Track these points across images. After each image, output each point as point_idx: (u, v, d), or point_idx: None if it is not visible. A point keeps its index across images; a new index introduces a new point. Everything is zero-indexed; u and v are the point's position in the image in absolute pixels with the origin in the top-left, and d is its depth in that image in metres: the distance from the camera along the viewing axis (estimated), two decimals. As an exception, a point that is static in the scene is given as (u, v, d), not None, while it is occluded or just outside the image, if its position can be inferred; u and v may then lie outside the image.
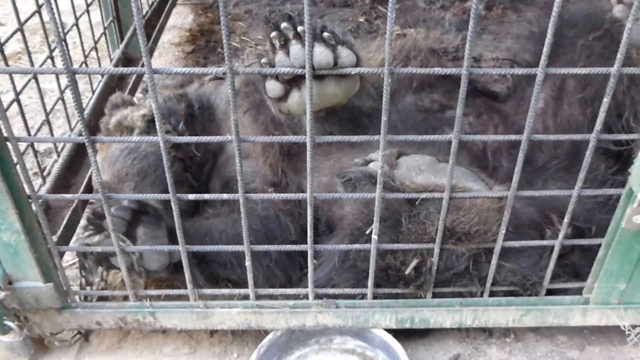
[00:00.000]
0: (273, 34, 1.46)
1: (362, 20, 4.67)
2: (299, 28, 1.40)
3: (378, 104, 1.99)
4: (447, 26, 4.54)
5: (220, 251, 1.90)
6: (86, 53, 2.79)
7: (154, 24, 3.80)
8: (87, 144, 1.52)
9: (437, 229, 1.64)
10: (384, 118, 1.43)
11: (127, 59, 3.30)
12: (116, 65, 3.14)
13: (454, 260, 1.75)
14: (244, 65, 1.63)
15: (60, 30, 1.20)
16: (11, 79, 2.09)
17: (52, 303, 1.83)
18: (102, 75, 2.99)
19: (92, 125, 2.59)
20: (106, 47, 3.33)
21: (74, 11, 2.68)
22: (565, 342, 1.97)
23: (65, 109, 2.55)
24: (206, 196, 1.65)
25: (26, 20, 2.16)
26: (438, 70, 1.35)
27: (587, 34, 1.91)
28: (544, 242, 1.71)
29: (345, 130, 2.02)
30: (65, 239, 2.18)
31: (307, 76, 1.33)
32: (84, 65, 2.75)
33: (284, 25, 1.45)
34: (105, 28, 3.19)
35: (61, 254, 2.01)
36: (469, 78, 2.21)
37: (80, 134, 2.36)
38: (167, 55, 4.21)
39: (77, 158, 2.53)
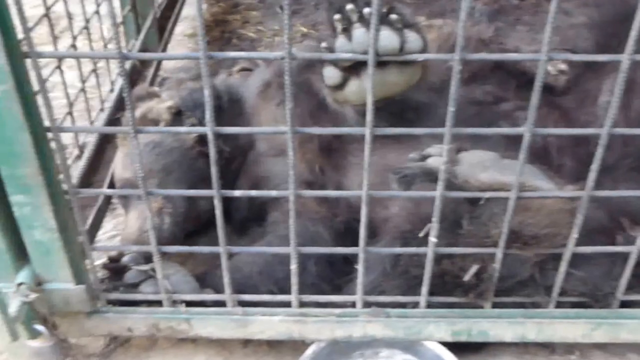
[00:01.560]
0: (336, 16, 1.47)
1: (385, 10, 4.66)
2: (365, 10, 1.41)
3: (427, 97, 2.01)
4: (478, 16, 4.47)
5: (258, 284, 1.92)
6: (106, 42, 2.82)
7: (168, 15, 3.85)
8: (131, 135, 1.52)
9: (502, 231, 1.62)
10: (451, 108, 1.43)
11: (144, 52, 3.37)
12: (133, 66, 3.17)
13: (517, 266, 1.74)
14: (303, 49, 1.62)
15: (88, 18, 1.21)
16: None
17: (82, 307, 1.85)
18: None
19: (115, 119, 2.61)
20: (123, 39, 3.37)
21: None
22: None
23: (86, 99, 2.58)
24: (253, 193, 1.65)
25: (52, 5, 2.19)
26: (514, 56, 1.35)
27: None
28: (619, 249, 1.70)
29: (394, 124, 2.02)
30: (89, 239, 2.20)
31: (369, 62, 1.33)
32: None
33: (349, 7, 1.45)
34: (123, 17, 3.26)
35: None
36: (522, 70, 2.22)
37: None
38: (180, 49, 4.23)
39: (99, 154, 2.56)
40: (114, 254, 2.01)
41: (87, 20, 2.56)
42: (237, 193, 1.64)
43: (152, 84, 3.27)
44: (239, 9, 4.71)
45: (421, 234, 1.76)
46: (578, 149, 1.97)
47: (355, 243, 1.72)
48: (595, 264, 1.76)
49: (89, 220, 2.23)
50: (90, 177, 2.49)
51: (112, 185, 2.45)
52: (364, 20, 1.43)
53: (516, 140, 1.89)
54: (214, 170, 1.57)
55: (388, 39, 1.38)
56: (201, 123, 2.43)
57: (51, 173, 1.60)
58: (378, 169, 2.08)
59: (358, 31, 1.40)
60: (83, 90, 2.54)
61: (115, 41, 1.38)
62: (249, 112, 2.45)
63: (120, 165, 2.40)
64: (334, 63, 1.54)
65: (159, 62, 3.47)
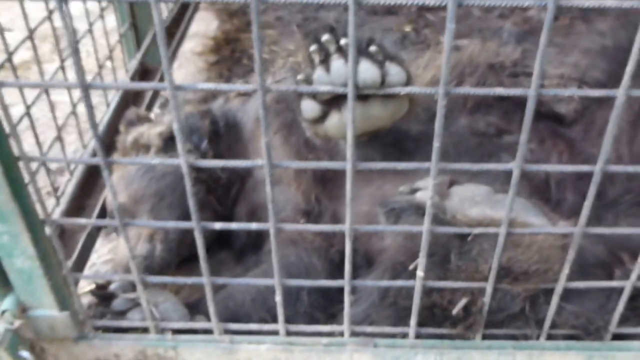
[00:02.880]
0: (312, 47, 1.34)
1: (408, 29, 4.30)
2: (342, 41, 1.27)
3: (426, 127, 1.86)
4: (506, 37, 4.19)
5: (250, 311, 1.79)
6: (100, 63, 2.67)
7: (173, 31, 3.65)
8: (102, 166, 1.39)
9: (491, 267, 1.48)
10: (436, 144, 1.30)
11: (144, 70, 3.18)
12: (133, 77, 3.04)
13: (508, 300, 1.61)
14: (276, 81, 1.48)
15: (73, 38, 1.08)
16: (21, 92, 1.99)
17: (69, 332, 1.74)
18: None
19: (108, 143, 2.48)
20: (122, 55, 3.19)
21: (87, 16, 2.57)
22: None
23: (78, 123, 2.45)
24: (233, 225, 1.52)
25: (36, 27, 2.06)
26: (500, 91, 1.20)
27: None
28: (613, 283, 1.56)
29: (389, 155, 1.89)
30: (80, 264, 2.11)
31: (349, 96, 1.20)
32: (98, 77, 2.65)
33: (325, 37, 1.32)
34: (120, 35, 3.04)
35: (76, 281, 1.91)
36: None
37: (94, 154, 2.27)
38: (188, 66, 4.07)
39: (92, 177, 2.45)
40: (102, 281, 1.90)
41: (77, 41, 2.43)
42: (217, 226, 1.51)
43: (151, 104, 3.14)
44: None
45: (411, 267, 1.63)
46: (580, 183, 1.82)
47: (352, 275, 1.60)
48: (589, 298, 1.62)
49: (79, 245, 2.10)
50: (84, 200, 2.36)
51: (104, 209, 2.33)
52: (342, 51, 1.29)
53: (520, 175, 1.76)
54: (192, 204, 1.45)
55: (368, 72, 1.24)
56: (197, 149, 2.30)
57: (26, 201, 1.49)
58: (375, 200, 1.95)
59: (336, 63, 1.26)
60: (74, 113, 2.41)
61: (76, 70, 1.25)
62: (246, 138, 2.33)
63: (114, 192, 2.28)
64: (313, 96, 1.40)
65: (161, 79, 3.30)
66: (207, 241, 2.31)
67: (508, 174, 1.87)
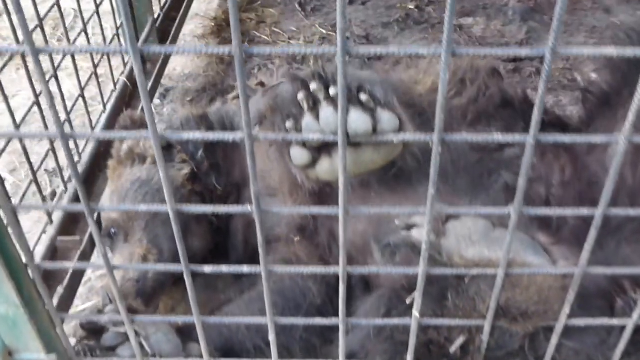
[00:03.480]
0: (300, 95, 1.26)
1: (411, 7, 4.21)
2: (332, 91, 1.19)
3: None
4: (511, 15, 4.06)
5: (245, 338, 1.73)
6: (96, 62, 2.60)
7: (173, 15, 3.50)
8: (86, 214, 1.32)
9: (489, 306, 1.42)
10: (431, 190, 1.22)
11: (142, 63, 3.08)
12: (131, 71, 2.91)
13: (507, 338, 1.55)
14: (261, 132, 1.41)
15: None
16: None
17: (55, 374, 1.66)
18: (115, 84, 2.78)
19: (103, 151, 2.41)
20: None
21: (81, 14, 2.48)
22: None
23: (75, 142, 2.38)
24: (224, 268, 1.45)
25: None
26: (498, 138, 1.14)
27: None
28: (615, 322, 1.49)
29: (386, 179, 1.80)
30: (73, 285, 2.03)
31: (340, 146, 1.13)
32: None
33: (313, 86, 1.24)
34: (117, 28, 2.89)
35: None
36: (532, 104, 1.98)
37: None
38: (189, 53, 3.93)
39: (86, 185, 2.36)
40: (90, 319, 1.83)
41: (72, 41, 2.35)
42: (207, 269, 1.44)
43: (152, 94, 3.05)
44: (254, 6, 4.26)
45: (408, 301, 1.56)
46: (582, 203, 1.74)
47: (348, 295, 1.54)
48: (590, 333, 1.56)
49: (68, 275, 2.04)
50: (76, 214, 2.29)
51: (99, 222, 2.26)
52: (331, 99, 1.22)
53: (516, 193, 1.69)
54: (181, 248, 1.37)
55: (359, 121, 1.17)
56: (193, 158, 2.23)
57: (7, 248, 1.42)
58: (372, 220, 1.89)
59: (326, 111, 1.19)
60: (68, 121, 2.34)
61: (55, 121, 1.18)
62: (242, 147, 2.23)
63: (108, 204, 2.21)
64: (302, 143, 1.33)
65: (160, 73, 3.21)
66: (202, 253, 2.26)
67: (508, 192, 1.82)
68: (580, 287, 1.58)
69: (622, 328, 1.50)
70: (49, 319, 1.58)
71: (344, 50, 1.04)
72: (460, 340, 1.54)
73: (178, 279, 2.21)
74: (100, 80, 2.61)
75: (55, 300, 1.91)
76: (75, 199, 2.22)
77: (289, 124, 1.25)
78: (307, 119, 1.22)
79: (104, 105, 2.65)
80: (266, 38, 3.93)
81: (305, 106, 1.23)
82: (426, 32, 3.99)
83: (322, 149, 1.30)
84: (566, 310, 1.42)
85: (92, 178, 2.40)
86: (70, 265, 1.75)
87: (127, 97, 2.79)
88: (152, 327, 1.87)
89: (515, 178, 1.79)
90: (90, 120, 2.53)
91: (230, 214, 2.26)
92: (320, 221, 2.04)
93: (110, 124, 2.52)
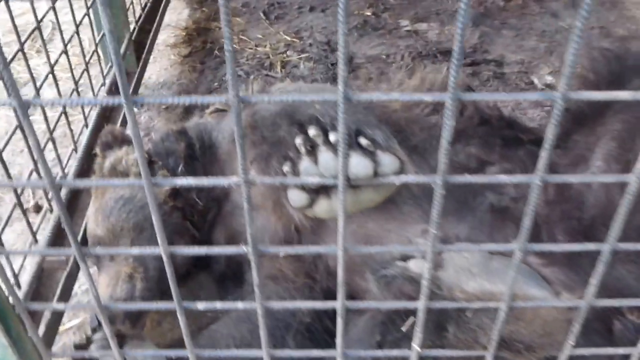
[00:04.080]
0: (298, 140, 1.20)
1: (368, 13, 4.32)
2: (332, 137, 1.13)
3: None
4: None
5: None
6: (77, 79, 2.52)
7: (148, 28, 3.51)
8: (79, 259, 1.26)
9: (492, 339, 1.38)
10: (432, 231, 1.18)
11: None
12: (111, 86, 2.85)
13: (509, 369, 1.50)
14: (260, 176, 1.34)
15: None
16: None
17: (46, 408, 1.61)
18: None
19: (86, 168, 2.34)
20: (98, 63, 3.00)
21: (61, 33, 2.39)
22: None
23: (56, 148, 2.30)
24: (217, 305, 1.40)
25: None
26: (505, 179, 1.08)
27: None
28: (620, 351, 1.45)
29: None
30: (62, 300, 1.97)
31: (339, 190, 1.08)
32: (75, 94, 2.49)
33: (312, 132, 1.18)
34: (96, 45, 2.86)
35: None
36: (508, 121, 1.94)
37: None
38: (162, 60, 3.93)
39: (73, 203, 2.30)
40: (82, 342, 1.78)
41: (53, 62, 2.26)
42: (200, 306, 1.38)
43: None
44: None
45: (403, 329, 1.52)
46: (569, 222, 1.70)
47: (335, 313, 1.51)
48: (592, 358, 1.52)
49: (60, 285, 1.98)
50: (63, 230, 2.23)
51: (85, 238, 2.19)
52: (330, 144, 1.16)
53: (502, 213, 1.64)
54: (174, 288, 1.31)
55: (359, 165, 1.12)
56: (173, 173, 2.17)
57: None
58: (357, 238, 1.84)
59: (325, 155, 1.14)
60: (52, 139, 2.26)
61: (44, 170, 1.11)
62: (223, 159, 2.18)
63: (92, 221, 2.15)
64: (301, 186, 1.27)
65: (138, 83, 3.17)
66: (186, 267, 2.21)
67: (494, 213, 1.78)
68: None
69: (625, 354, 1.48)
70: (38, 355, 1.53)
71: (345, 97, 0.99)
72: (461, 372, 1.50)
73: (165, 292, 2.15)
74: (80, 90, 2.53)
75: (42, 328, 1.84)
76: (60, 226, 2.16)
77: (286, 167, 1.19)
78: (306, 163, 1.16)
79: (85, 120, 2.57)
80: (235, 46, 3.93)
81: (303, 150, 1.17)
82: (384, 38, 4.09)
83: (320, 190, 1.24)
84: (570, 342, 1.39)
85: (76, 193, 2.33)
86: (61, 306, 1.67)
87: (108, 110, 2.72)
88: (140, 348, 1.83)
89: (500, 198, 1.75)
90: (72, 133, 2.45)
91: (212, 226, 2.20)
92: (305, 236, 1.99)
93: (92, 139, 2.45)
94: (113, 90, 2.82)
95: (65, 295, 2.04)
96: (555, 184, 1.78)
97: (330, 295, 1.82)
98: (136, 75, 3.10)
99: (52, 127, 2.25)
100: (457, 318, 1.46)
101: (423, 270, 1.23)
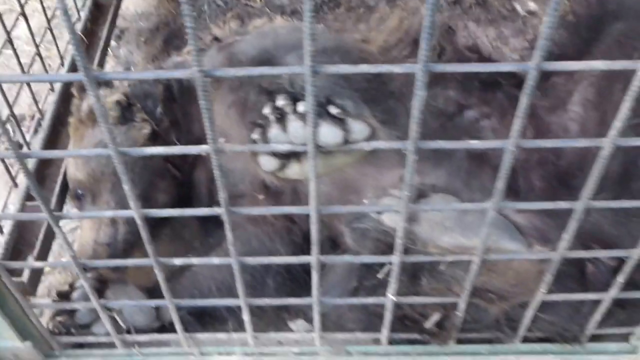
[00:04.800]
0: (266, 110, 1.15)
1: None
2: (300, 108, 1.09)
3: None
4: None
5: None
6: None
7: None
8: (53, 225, 1.24)
9: (465, 288, 1.39)
10: (405, 193, 1.16)
11: (97, 5, 2.88)
12: (88, 14, 2.72)
13: (482, 313, 1.52)
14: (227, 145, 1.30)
15: None
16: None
17: (34, 357, 1.63)
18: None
19: (62, 112, 2.26)
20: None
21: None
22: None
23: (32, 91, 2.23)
24: (194, 260, 1.40)
25: None
26: (477, 145, 1.06)
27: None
28: (590, 296, 1.47)
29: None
30: (44, 248, 1.95)
31: (309, 157, 1.05)
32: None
33: (280, 102, 1.13)
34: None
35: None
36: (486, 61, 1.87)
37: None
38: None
39: (52, 143, 2.24)
40: (64, 289, 1.78)
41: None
42: (177, 262, 1.38)
43: (108, 39, 2.87)
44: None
45: (379, 276, 1.53)
46: (548, 168, 1.68)
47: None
48: (564, 305, 1.54)
49: (41, 232, 1.96)
50: (45, 168, 2.18)
51: (65, 181, 2.15)
52: (299, 112, 1.11)
53: (479, 158, 1.62)
54: (149, 247, 1.30)
55: (329, 134, 1.08)
56: (152, 116, 2.10)
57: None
58: (335, 182, 1.82)
59: (294, 124, 1.09)
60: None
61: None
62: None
63: (72, 165, 2.09)
64: (270, 152, 1.23)
65: (115, 14, 3.02)
66: (169, 206, 2.18)
67: (472, 158, 1.75)
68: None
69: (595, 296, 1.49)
70: (20, 309, 1.53)
71: (312, 70, 0.95)
72: (435, 317, 1.51)
73: (155, 227, 2.13)
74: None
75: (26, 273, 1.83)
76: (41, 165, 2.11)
77: (255, 134, 1.15)
78: (275, 131, 1.12)
79: (61, 59, 2.48)
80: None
81: (272, 118, 1.13)
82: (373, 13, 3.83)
83: (291, 155, 1.20)
84: (542, 290, 1.39)
85: (55, 132, 2.26)
86: (30, 264, 1.65)
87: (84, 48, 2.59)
88: (125, 294, 1.83)
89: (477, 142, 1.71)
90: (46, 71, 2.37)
91: (192, 167, 2.16)
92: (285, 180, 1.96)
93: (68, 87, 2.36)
94: (88, 29, 2.69)
95: (49, 239, 2.02)
96: (532, 123, 1.74)
97: (309, 237, 1.81)
98: (112, 8, 2.94)
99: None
100: (430, 269, 1.46)
101: (396, 224, 1.21)
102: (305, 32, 0.89)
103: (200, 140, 2.14)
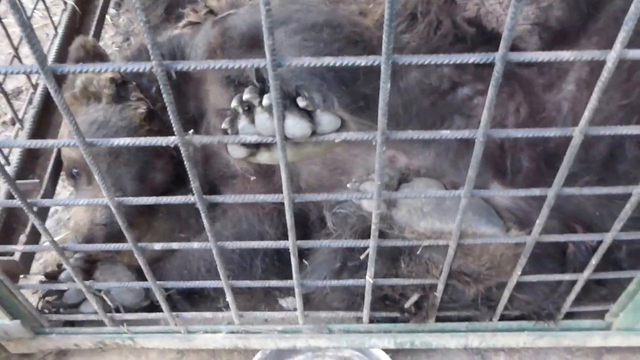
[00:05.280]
0: (234, 103, 1.13)
1: None
2: (265, 101, 1.06)
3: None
4: None
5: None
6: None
7: None
8: (37, 225, 1.24)
9: (441, 271, 1.39)
10: (377, 181, 1.15)
11: None
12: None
13: (460, 294, 1.52)
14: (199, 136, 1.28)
15: None
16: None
17: (23, 334, 1.66)
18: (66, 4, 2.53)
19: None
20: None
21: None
22: (581, 349, 1.77)
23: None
24: (174, 245, 1.39)
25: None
26: (447, 134, 1.04)
27: None
28: (566, 277, 1.46)
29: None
30: (34, 237, 1.95)
31: (278, 147, 1.04)
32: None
33: (246, 96, 1.10)
34: None
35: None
36: (488, 36, 1.83)
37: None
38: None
39: (45, 119, 2.22)
40: (51, 270, 1.78)
41: None
42: (157, 246, 1.37)
43: (105, 7, 2.78)
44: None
45: (361, 257, 1.52)
46: (536, 148, 1.65)
47: (304, 234, 1.58)
48: (541, 284, 1.53)
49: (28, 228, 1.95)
50: (31, 164, 2.16)
51: (59, 159, 2.13)
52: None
53: (468, 139, 1.60)
54: (127, 234, 1.30)
55: (296, 127, 1.05)
56: (148, 94, 2.05)
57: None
58: (326, 163, 1.81)
59: (261, 117, 1.07)
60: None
61: None
62: (196, 78, 2.03)
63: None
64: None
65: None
66: (167, 185, 2.16)
67: (460, 141, 1.72)
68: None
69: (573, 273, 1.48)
70: (7, 289, 1.53)
71: (274, 64, 0.92)
72: (414, 297, 1.51)
73: (151, 206, 2.12)
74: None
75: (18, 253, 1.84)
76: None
77: (225, 124, 1.14)
78: (243, 122, 1.09)
79: (55, 29, 2.42)
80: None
81: (240, 110, 1.11)
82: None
83: (260, 144, 1.18)
84: (518, 271, 1.39)
85: (47, 108, 2.24)
86: (30, 248, 1.62)
87: (77, 22, 2.53)
88: (113, 275, 1.83)
89: (468, 121, 1.68)
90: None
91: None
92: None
93: (62, 53, 2.31)
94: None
95: (42, 215, 2.03)
96: (527, 101, 1.70)
97: (300, 218, 1.79)
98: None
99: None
100: (409, 253, 1.45)
101: (375, 211, 1.19)
102: (263, 27, 0.87)
103: (196, 119, 2.12)
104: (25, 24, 0.84)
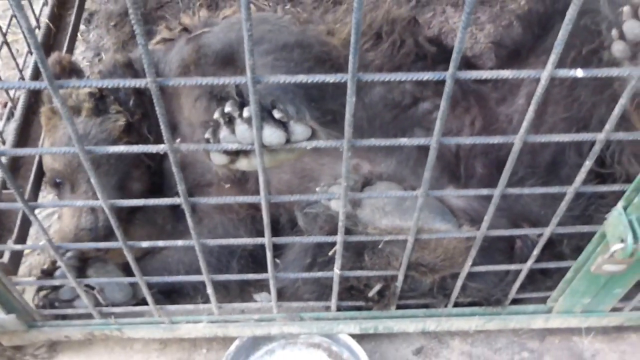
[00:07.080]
0: (216, 115, 1.20)
1: None
2: (245, 113, 1.14)
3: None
4: None
5: (185, 282, 1.75)
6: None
7: None
8: (28, 213, 1.29)
9: (401, 263, 1.48)
10: (343, 183, 1.22)
11: None
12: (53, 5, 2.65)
13: (418, 283, 1.61)
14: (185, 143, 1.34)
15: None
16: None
17: (17, 327, 1.70)
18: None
19: (33, 102, 2.25)
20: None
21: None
22: (527, 332, 1.88)
23: None
24: (160, 243, 1.45)
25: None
26: (404, 141, 1.13)
27: (580, 44, 1.58)
28: (512, 267, 1.57)
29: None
30: (22, 233, 1.99)
31: (257, 153, 1.11)
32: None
33: (227, 109, 1.18)
34: None
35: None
36: (448, 55, 1.92)
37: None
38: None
39: (24, 132, 2.24)
40: (47, 267, 1.82)
41: None
42: (144, 244, 1.43)
43: (77, 24, 2.78)
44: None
45: (330, 253, 1.60)
46: (489, 155, 1.75)
47: (275, 236, 1.56)
48: (490, 274, 1.63)
49: (18, 218, 1.99)
50: (18, 158, 2.19)
51: (41, 168, 2.14)
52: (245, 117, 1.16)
53: (428, 149, 1.69)
54: (118, 233, 1.36)
55: (272, 135, 1.13)
56: (126, 107, 2.08)
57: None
58: (295, 170, 1.88)
59: (241, 127, 1.14)
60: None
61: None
62: (169, 93, 2.02)
63: (50, 155, 2.07)
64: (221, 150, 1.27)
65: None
66: (143, 195, 2.18)
67: (420, 151, 1.81)
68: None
69: (519, 263, 1.58)
70: (3, 286, 1.57)
71: (254, 80, 1.00)
72: (377, 287, 1.60)
73: (129, 213, 2.14)
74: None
75: (7, 255, 1.88)
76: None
77: (207, 134, 1.21)
78: (224, 132, 1.17)
79: (29, 46, 2.42)
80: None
81: (221, 121, 1.18)
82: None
83: (240, 151, 1.25)
84: (469, 263, 1.48)
85: (28, 121, 2.24)
86: (21, 247, 1.67)
87: (52, 39, 2.54)
88: (105, 273, 1.86)
89: (427, 134, 1.77)
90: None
91: (163, 156, 2.12)
92: (249, 171, 2.00)
93: (38, 70, 2.32)
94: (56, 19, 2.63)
95: (27, 224, 2.04)
96: (481, 115, 1.80)
97: (273, 223, 1.85)
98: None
99: None
100: (372, 247, 1.53)
101: (342, 209, 1.27)
102: (245, 49, 0.94)
103: (172, 131, 2.16)
104: (38, 47, 0.89)
